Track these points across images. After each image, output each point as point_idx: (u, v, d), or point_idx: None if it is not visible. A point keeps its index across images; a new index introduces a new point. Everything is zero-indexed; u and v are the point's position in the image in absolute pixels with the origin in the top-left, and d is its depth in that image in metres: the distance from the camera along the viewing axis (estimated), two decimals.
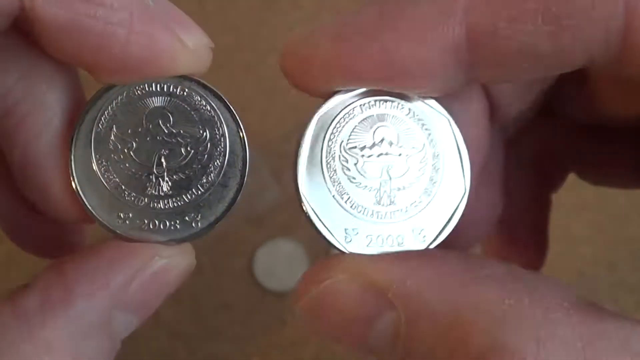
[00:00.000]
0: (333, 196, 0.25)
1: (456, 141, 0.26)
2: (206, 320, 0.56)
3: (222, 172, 0.25)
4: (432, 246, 0.25)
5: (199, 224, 0.25)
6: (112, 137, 0.25)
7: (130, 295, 0.24)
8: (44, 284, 0.24)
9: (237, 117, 0.25)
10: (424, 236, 0.25)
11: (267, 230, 0.57)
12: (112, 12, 0.23)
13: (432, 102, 0.25)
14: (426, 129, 0.25)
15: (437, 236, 0.25)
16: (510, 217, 0.36)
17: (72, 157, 0.25)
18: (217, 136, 0.25)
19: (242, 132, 0.25)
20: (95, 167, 0.25)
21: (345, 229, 0.25)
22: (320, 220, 0.25)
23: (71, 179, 0.25)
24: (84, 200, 0.25)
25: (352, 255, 0.25)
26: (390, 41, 0.23)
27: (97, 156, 0.25)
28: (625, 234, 0.58)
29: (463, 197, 0.26)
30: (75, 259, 0.24)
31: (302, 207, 0.25)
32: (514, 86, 0.27)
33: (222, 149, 0.25)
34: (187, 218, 0.25)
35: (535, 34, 0.22)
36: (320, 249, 0.57)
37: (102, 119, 0.25)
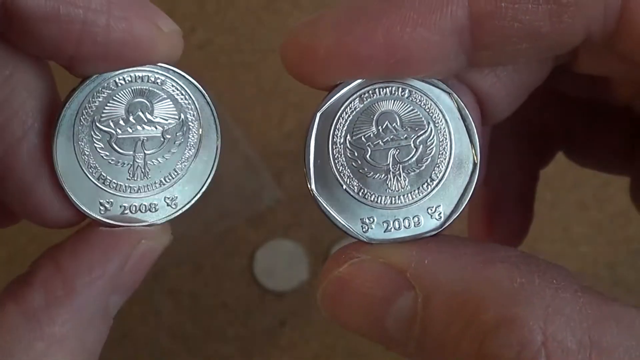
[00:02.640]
0: (345, 190, 0.25)
1: (461, 115, 0.25)
2: (206, 320, 0.56)
3: (197, 154, 0.26)
4: (448, 222, 0.26)
5: (178, 203, 0.26)
6: (94, 130, 0.25)
7: (123, 279, 0.25)
8: (44, 280, 0.24)
9: (210, 101, 0.26)
10: (439, 213, 0.26)
11: (267, 230, 0.57)
12: None
13: (432, 80, 0.25)
14: (429, 107, 0.25)
15: (451, 212, 0.26)
16: (499, 186, 0.36)
17: (55, 153, 0.25)
18: (192, 121, 0.26)
19: (214, 114, 0.26)
20: (77, 159, 0.25)
21: (362, 219, 0.25)
22: (335, 215, 0.25)
23: (56, 174, 0.25)
24: (68, 193, 0.25)
25: (372, 241, 0.25)
26: (393, 25, 0.23)
27: (79, 149, 0.25)
28: (625, 234, 0.58)
29: (474, 170, 0.26)
30: (69, 249, 0.25)
31: (316, 204, 0.25)
32: (502, 88, 0.27)
33: (196, 132, 0.26)
34: (166, 199, 0.26)
35: (536, 13, 0.23)
36: (321, 249, 0.57)
37: (84, 112, 0.25)
